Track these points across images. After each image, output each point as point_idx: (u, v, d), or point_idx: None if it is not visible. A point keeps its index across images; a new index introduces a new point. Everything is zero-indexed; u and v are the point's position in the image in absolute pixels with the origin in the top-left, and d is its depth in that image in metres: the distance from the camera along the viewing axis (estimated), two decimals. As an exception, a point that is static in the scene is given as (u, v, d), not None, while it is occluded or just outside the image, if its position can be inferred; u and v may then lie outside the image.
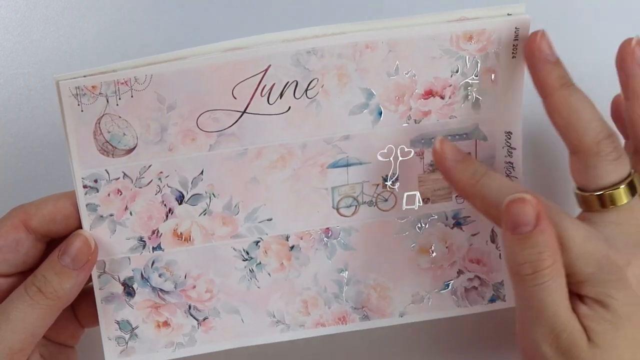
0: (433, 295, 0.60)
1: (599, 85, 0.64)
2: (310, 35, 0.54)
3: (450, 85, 0.56)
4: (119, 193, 0.56)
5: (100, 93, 0.53)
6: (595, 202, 0.54)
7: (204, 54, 0.53)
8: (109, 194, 0.56)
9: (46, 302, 0.54)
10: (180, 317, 0.59)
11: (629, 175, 0.54)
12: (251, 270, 0.58)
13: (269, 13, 0.66)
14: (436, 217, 0.59)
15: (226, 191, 0.57)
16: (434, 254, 0.60)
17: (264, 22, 0.66)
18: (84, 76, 0.53)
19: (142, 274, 0.58)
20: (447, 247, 0.60)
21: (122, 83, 0.53)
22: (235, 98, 0.54)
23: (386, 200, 0.58)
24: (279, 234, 0.58)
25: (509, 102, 0.57)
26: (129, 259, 0.57)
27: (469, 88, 0.57)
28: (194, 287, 0.58)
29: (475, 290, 0.60)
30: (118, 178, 0.56)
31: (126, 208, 0.56)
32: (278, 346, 0.60)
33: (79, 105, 0.53)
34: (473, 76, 0.56)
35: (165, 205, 0.57)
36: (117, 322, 0.58)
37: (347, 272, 0.59)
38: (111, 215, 0.56)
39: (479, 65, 0.56)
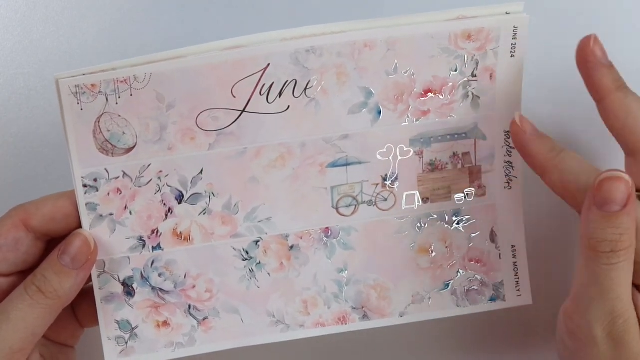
0: (433, 295, 0.60)
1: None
2: (309, 34, 0.54)
3: (449, 84, 0.57)
4: (119, 192, 0.56)
5: (99, 91, 0.53)
6: None
7: (203, 53, 0.54)
8: (108, 193, 0.56)
9: (46, 301, 0.54)
10: (180, 317, 0.59)
11: None
12: (251, 270, 0.58)
13: (269, 13, 0.66)
14: (436, 216, 0.59)
15: (225, 190, 0.57)
16: (434, 254, 0.60)
17: (263, 21, 0.66)
18: (84, 74, 0.53)
19: (141, 273, 0.58)
20: (446, 247, 0.60)
21: (122, 81, 0.53)
22: (234, 97, 0.55)
23: (385, 199, 0.58)
24: (278, 233, 0.58)
25: (508, 101, 0.57)
26: (129, 258, 0.57)
27: (467, 87, 0.57)
28: (194, 286, 0.58)
29: (475, 290, 0.60)
30: (118, 177, 0.56)
31: (126, 207, 0.56)
32: (277, 346, 0.60)
33: (78, 103, 0.54)
34: (472, 75, 0.57)
35: (164, 204, 0.57)
36: (117, 322, 0.58)
37: (346, 272, 0.59)
38: (111, 214, 0.56)
39: (477, 64, 0.56)
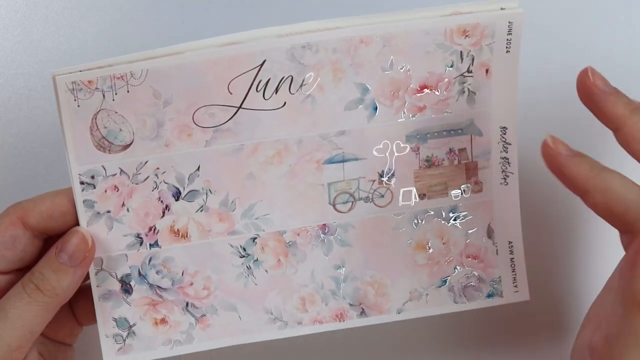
0: (430, 292, 0.60)
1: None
2: (305, 30, 0.55)
3: (445, 80, 0.57)
4: (116, 189, 0.56)
5: (96, 88, 0.54)
6: None
7: (199, 49, 0.54)
8: (105, 191, 0.56)
9: (44, 299, 0.54)
10: (177, 315, 0.59)
11: None
12: (248, 267, 0.58)
13: (268, 12, 0.66)
14: (432, 212, 0.59)
15: (222, 187, 0.57)
16: (431, 250, 0.60)
17: (263, 20, 0.66)
18: (80, 71, 0.53)
19: (139, 271, 0.58)
20: (443, 243, 0.60)
21: (118, 78, 0.54)
22: (231, 93, 0.55)
23: (382, 196, 0.59)
24: (275, 230, 0.58)
25: (504, 97, 0.57)
26: (126, 255, 0.57)
27: (463, 83, 0.57)
28: (191, 284, 0.58)
29: (472, 286, 0.60)
30: (115, 174, 0.56)
31: (123, 204, 0.57)
32: (275, 343, 0.60)
33: (75, 100, 0.54)
34: (467, 71, 0.57)
35: (162, 201, 0.57)
36: (115, 320, 0.58)
37: (344, 269, 0.59)
38: (108, 211, 0.56)
39: (473, 59, 0.57)
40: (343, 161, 0.58)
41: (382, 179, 0.58)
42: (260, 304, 0.59)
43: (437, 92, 0.57)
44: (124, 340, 0.58)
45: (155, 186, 0.56)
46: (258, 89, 0.55)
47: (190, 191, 0.57)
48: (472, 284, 0.60)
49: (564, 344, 0.68)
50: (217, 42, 0.54)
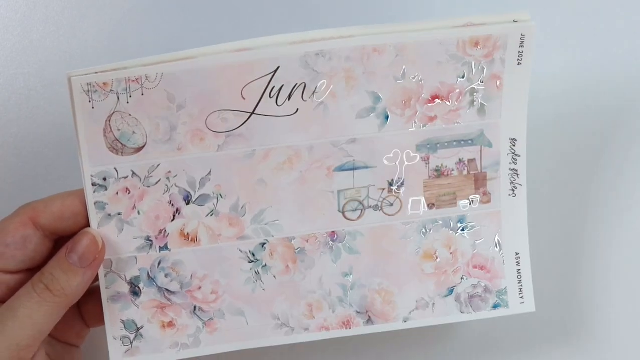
0: (437, 301, 0.60)
1: (605, 91, 0.65)
2: (319, 38, 0.55)
3: (456, 91, 0.57)
4: (128, 192, 0.57)
5: (111, 90, 0.54)
6: None
7: (214, 54, 0.54)
8: (117, 193, 0.56)
9: (53, 299, 0.54)
10: (185, 318, 0.59)
11: None
12: (257, 273, 0.59)
13: (267, 12, 0.67)
14: (441, 222, 0.60)
15: (233, 192, 0.57)
16: (439, 260, 0.60)
17: (262, 21, 0.67)
18: (96, 73, 0.54)
19: (148, 273, 0.58)
20: (451, 253, 0.60)
21: (133, 81, 0.54)
22: (244, 99, 0.55)
23: (391, 204, 0.59)
24: (285, 236, 0.58)
25: (515, 109, 0.58)
26: (136, 258, 0.58)
27: (474, 94, 0.57)
28: (200, 288, 0.58)
29: (478, 297, 0.60)
30: (127, 177, 0.56)
31: (134, 207, 0.57)
32: (282, 349, 0.61)
33: (90, 102, 0.54)
34: (479, 82, 0.57)
35: (172, 205, 0.57)
36: (123, 322, 0.58)
37: (352, 276, 0.59)
38: (119, 214, 0.57)
39: (484, 71, 0.57)
40: (353, 169, 0.58)
41: (392, 187, 0.59)
42: (268, 309, 0.59)
43: (448, 103, 0.57)
44: (132, 343, 0.59)
45: (166, 189, 0.57)
46: (271, 95, 0.55)
47: (201, 195, 0.57)
48: (479, 294, 0.61)
49: (568, 355, 0.69)
50: (231, 47, 0.54)
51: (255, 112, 0.56)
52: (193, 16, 0.67)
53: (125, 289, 0.58)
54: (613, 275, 0.69)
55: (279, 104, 0.56)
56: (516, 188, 0.60)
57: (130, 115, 0.55)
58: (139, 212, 0.57)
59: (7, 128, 0.66)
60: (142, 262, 0.58)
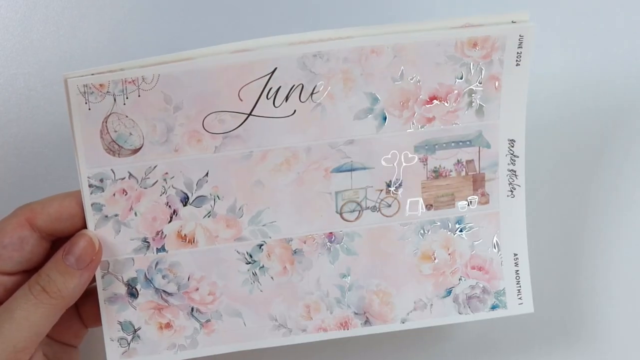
0: (435, 302, 0.60)
1: (605, 91, 0.65)
2: (317, 39, 0.55)
3: (455, 92, 0.57)
4: (124, 193, 0.56)
5: (107, 92, 0.54)
6: None
7: (211, 55, 0.54)
8: (114, 194, 0.56)
9: (50, 301, 0.54)
10: (182, 319, 0.59)
11: None
12: (254, 274, 0.59)
13: (268, 12, 0.66)
14: (439, 223, 0.59)
15: (231, 193, 0.57)
16: (436, 261, 0.60)
17: (263, 21, 0.66)
18: (92, 74, 0.54)
19: (145, 275, 0.58)
20: (449, 254, 0.60)
21: (130, 82, 0.54)
22: (241, 100, 0.55)
23: (389, 205, 0.59)
24: (282, 237, 0.58)
25: (513, 110, 0.58)
26: (133, 259, 0.58)
27: (472, 95, 0.57)
28: (197, 289, 0.58)
29: (477, 298, 0.60)
30: (124, 178, 0.56)
31: (131, 208, 0.57)
32: (279, 350, 0.60)
33: (86, 103, 0.54)
34: (477, 83, 0.57)
35: (169, 206, 0.57)
36: (120, 323, 0.58)
37: (349, 277, 0.59)
38: (116, 215, 0.57)
39: (483, 72, 0.57)
40: (351, 170, 0.58)
41: (390, 188, 0.58)
42: (265, 310, 0.59)
43: (446, 104, 0.57)
44: (129, 344, 0.59)
45: (163, 191, 0.57)
46: (268, 97, 0.55)
47: (199, 197, 0.57)
48: (477, 295, 0.60)
49: (568, 356, 0.68)
50: (228, 48, 0.54)
51: (253, 113, 0.55)
52: (193, 16, 0.67)
53: (123, 290, 0.58)
54: (613, 275, 0.69)
55: (276, 105, 0.56)
56: (514, 189, 0.59)
57: (127, 116, 0.55)
58: (135, 214, 0.57)
59: (7, 128, 0.66)
60: (139, 263, 0.58)
